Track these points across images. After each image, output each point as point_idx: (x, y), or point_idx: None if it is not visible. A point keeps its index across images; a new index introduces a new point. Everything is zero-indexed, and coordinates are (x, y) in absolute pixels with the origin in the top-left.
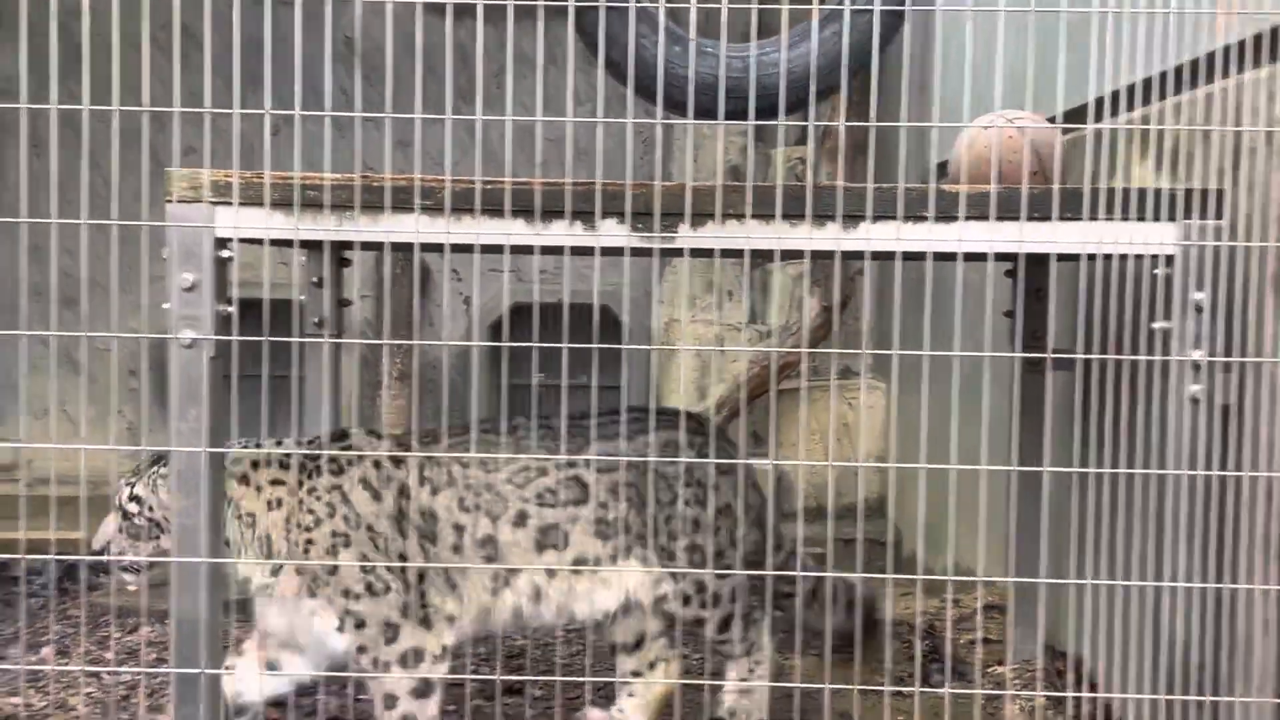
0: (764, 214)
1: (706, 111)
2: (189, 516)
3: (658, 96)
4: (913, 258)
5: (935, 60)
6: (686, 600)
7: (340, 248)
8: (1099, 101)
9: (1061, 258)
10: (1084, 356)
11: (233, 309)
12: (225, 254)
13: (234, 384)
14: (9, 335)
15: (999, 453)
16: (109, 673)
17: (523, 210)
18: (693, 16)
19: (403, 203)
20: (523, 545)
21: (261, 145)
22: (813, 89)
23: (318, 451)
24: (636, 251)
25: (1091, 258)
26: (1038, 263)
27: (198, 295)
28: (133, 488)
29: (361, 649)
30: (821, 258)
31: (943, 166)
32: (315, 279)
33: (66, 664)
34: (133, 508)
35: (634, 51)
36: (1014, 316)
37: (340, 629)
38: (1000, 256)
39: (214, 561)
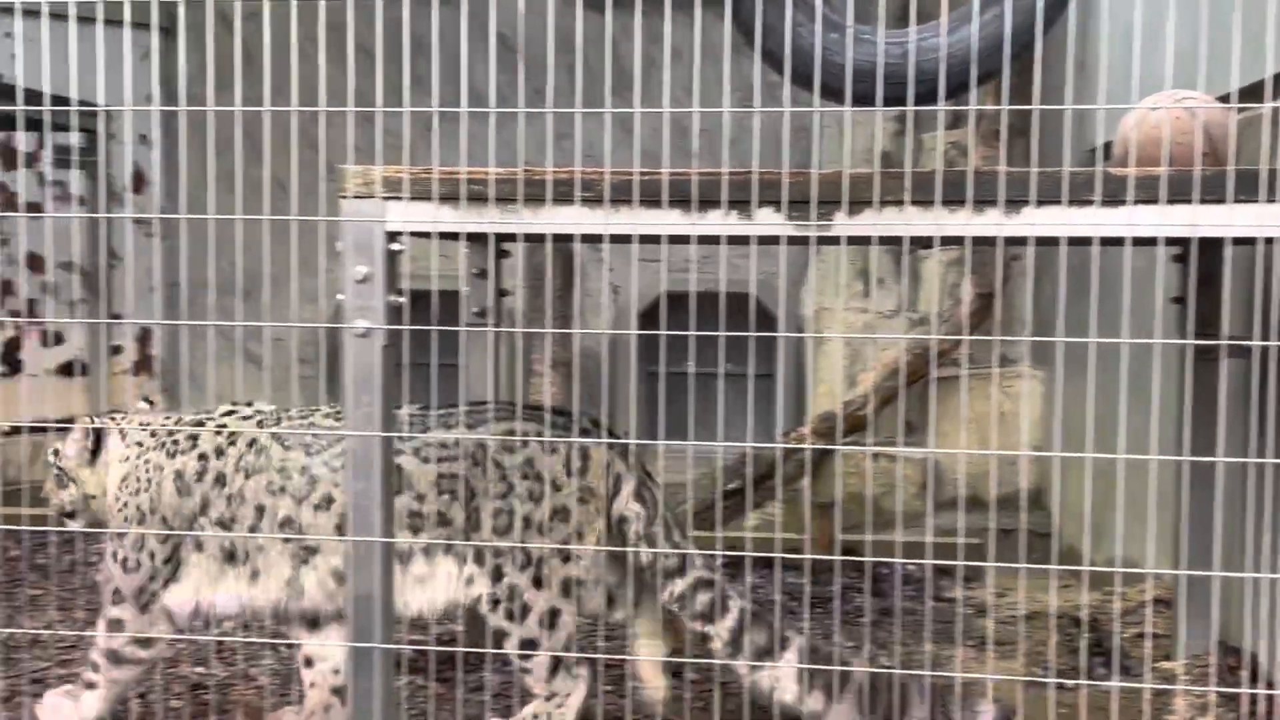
0: (922, 200)
1: (863, 98)
2: (364, 498)
3: (814, 84)
4: (1077, 243)
5: (1100, 38)
6: (495, 604)
7: (501, 240)
8: (1277, 78)
9: (1236, 241)
10: (1260, 344)
11: (403, 299)
12: (396, 247)
13: (404, 371)
14: (194, 325)
15: (1165, 443)
16: (286, 645)
17: (679, 201)
18: (850, 3)
19: (564, 195)
20: (322, 528)
21: (425, 142)
22: (973, 74)
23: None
24: (793, 240)
25: (1269, 241)
26: (1209, 247)
27: (370, 286)
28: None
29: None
30: (980, 244)
31: (1106, 148)
32: (477, 270)
33: (249, 637)
34: (53, 459)
35: (791, 40)
36: (1184, 303)
37: None
38: (1169, 241)
39: (387, 541)
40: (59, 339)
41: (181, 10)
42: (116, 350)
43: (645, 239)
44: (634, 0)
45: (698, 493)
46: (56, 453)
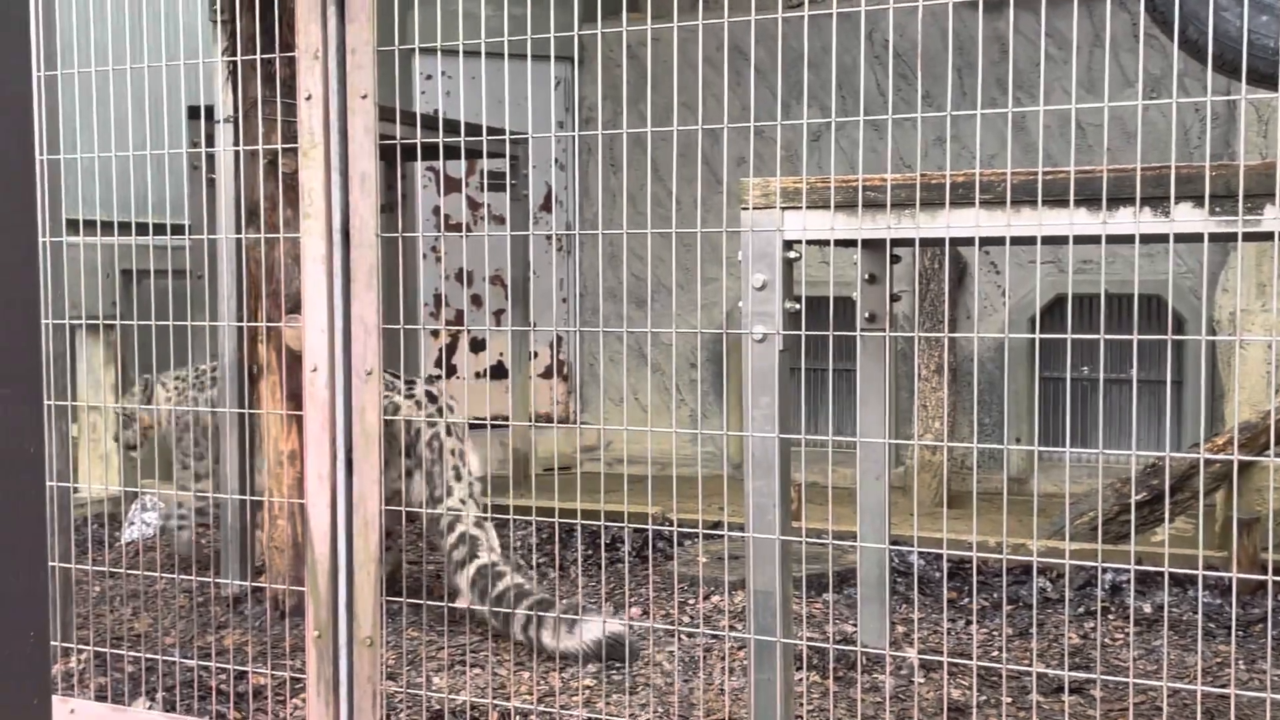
0: None
1: None
2: (763, 495)
3: (1241, 71)
4: None
5: None
6: None
7: (894, 245)
8: None
9: None
10: None
11: (800, 306)
12: (793, 255)
13: (801, 375)
14: (592, 331)
15: None
16: (687, 633)
17: (1086, 199)
18: None
19: (962, 198)
20: None
21: (816, 152)
22: None
23: None
24: (1214, 237)
25: None
26: None
27: (768, 294)
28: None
29: None
30: None
31: None
32: (868, 275)
33: (653, 624)
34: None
35: (1214, 25)
36: None
37: None
38: None
39: (786, 539)
40: (484, 345)
41: (580, 38)
42: (533, 356)
43: (1048, 240)
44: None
45: (1101, 502)
46: None
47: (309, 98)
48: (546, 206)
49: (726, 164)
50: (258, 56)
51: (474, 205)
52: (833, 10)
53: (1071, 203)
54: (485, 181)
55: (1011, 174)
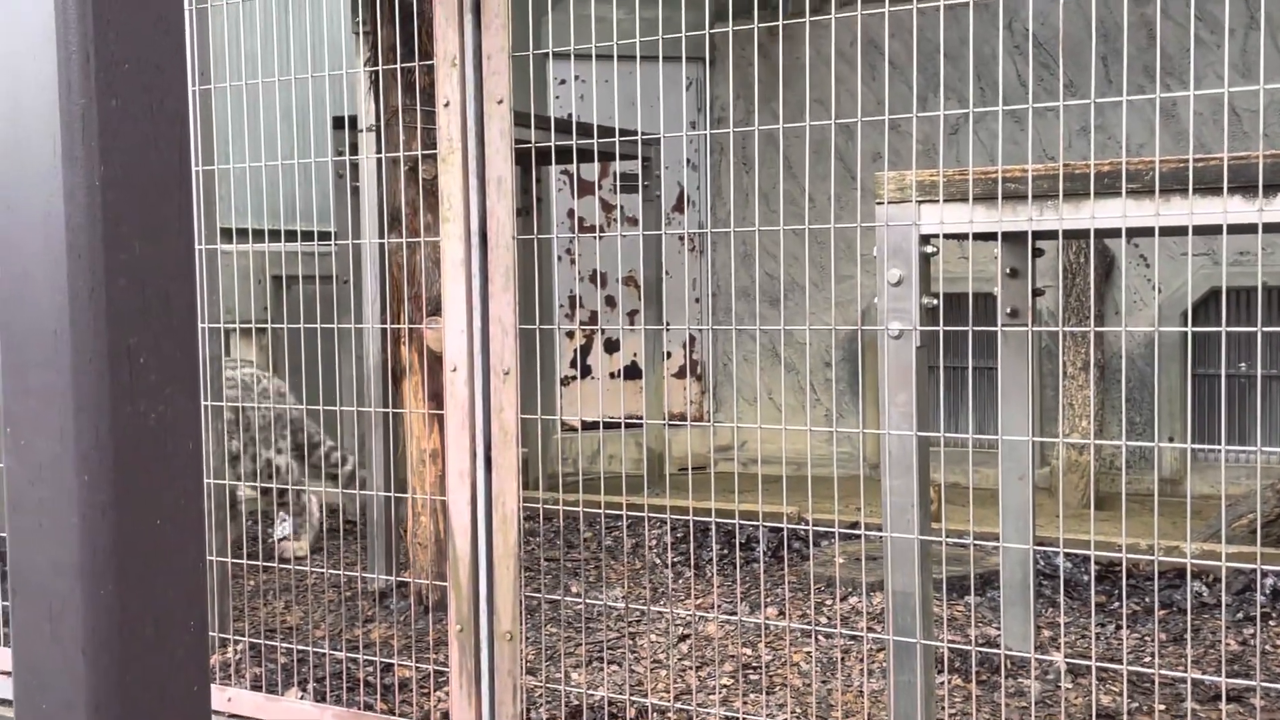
0: None
1: None
2: (901, 495)
3: None
4: None
5: None
6: None
7: (1036, 238)
8: None
9: None
10: None
11: (936, 302)
12: (929, 249)
13: (940, 373)
14: (726, 330)
15: None
16: (825, 634)
17: (1240, 186)
18: None
19: (1107, 188)
20: None
21: (953, 145)
22: None
23: None
24: None
25: None
26: None
27: (905, 290)
28: None
29: None
30: None
31: None
32: (1009, 270)
33: (790, 624)
34: None
35: None
36: None
37: None
38: None
39: (925, 540)
40: (618, 345)
41: (711, 38)
42: (666, 355)
43: (1200, 229)
44: None
45: (1261, 504)
46: None
47: (447, 104)
48: (679, 207)
49: (861, 160)
50: (398, 66)
51: (607, 207)
52: (969, 0)
53: (1225, 190)
54: (618, 184)
55: (1160, 161)
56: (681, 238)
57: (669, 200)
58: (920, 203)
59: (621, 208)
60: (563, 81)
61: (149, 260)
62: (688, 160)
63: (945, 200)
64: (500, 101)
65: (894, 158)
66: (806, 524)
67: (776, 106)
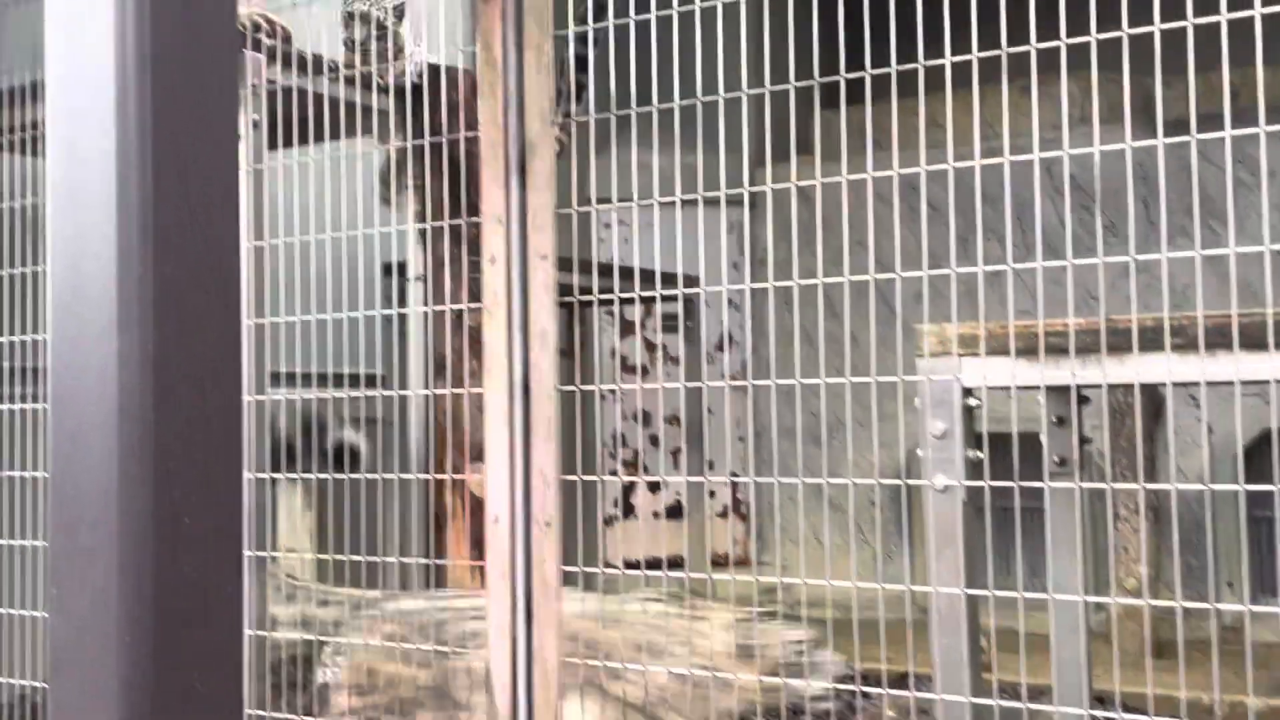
0: None
1: None
2: (951, 654)
3: None
4: None
5: None
6: None
7: (1082, 385)
8: None
9: None
10: None
11: (982, 454)
12: (973, 402)
13: (988, 525)
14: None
15: None
16: None
17: None
18: None
19: (1151, 342)
20: None
21: (998, 291)
22: None
23: None
24: None
25: None
26: None
27: (949, 442)
28: None
29: None
30: None
31: None
32: (1056, 417)
33: None
34: None
35: None
36: None
37: None
38: None
39: (977, 701)
40: (663, 486)
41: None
42: (711, 495)
43: (1249, 383)
44: (1221, 119)
45: None
46: None
47: (493, 260)
48: (721, 346)
49: (900, 298)
50: (445, 223)
51: (650, 347)
52: (1005, 159)
53: (1271, 346)
54: (660, 324)
55: (1204, 316)
56: (723, 375)
57: (712, 340)
58: (962, 356)
59: (665, 347)
60: (607, 225)
61: (197, 421)
62: (730, 300)
63: (987, 354)
64: (544, 257)
65: (934, 294)
66: (853, 677)
67: (816, 247)
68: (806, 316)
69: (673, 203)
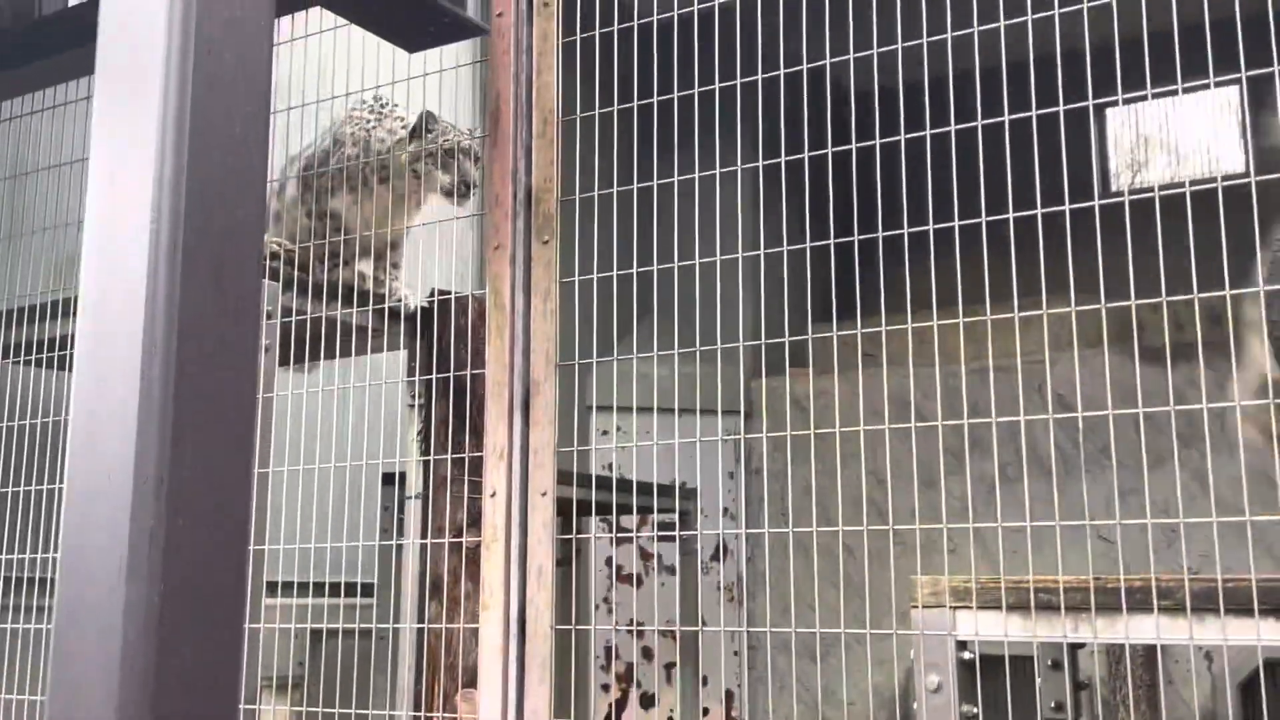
0: None
1: None
2: None
3: None
4: None
5: None
6: None
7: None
8: None
9: None
10: None
11: (977, 711)
12: (967, 655)
13: None
14: (764, 688)
15: None
16: None
17: (1273, 609)
18: None
19: (1139, 603)
20: None
21: (989, 507)
22: None
23: None
24: None
25: None
26: None
27: (943, 696)
28: None
29: None
30: None
31: None
32: (1050, 662)
33: None
34: None
35: None
36: None
37: None
38: None
39: None
40: (654, 700)
41: (748, 390)
42: (705, 712)
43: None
44: (1196, 350)
45: None
46: None
47: (494, 494)
48: (717, 556)
49: (893, 512)
50: (449, 456)
51: (645, 556)
52: (988, 364)
53: (1256, 612)
54: (656, 533)
55: (1190, 579)
56: (718, 585)
57: (707, 549)
58: (955, 608)
59: (660, 556)
60: (605, 433)
61: (200, 669)
62: (724, 509)
63: (979, 608)
64: (544, 494)
65: (929, 511)
66: None
67: (812, 459)
68: (802, 527)
69: (671, 410)
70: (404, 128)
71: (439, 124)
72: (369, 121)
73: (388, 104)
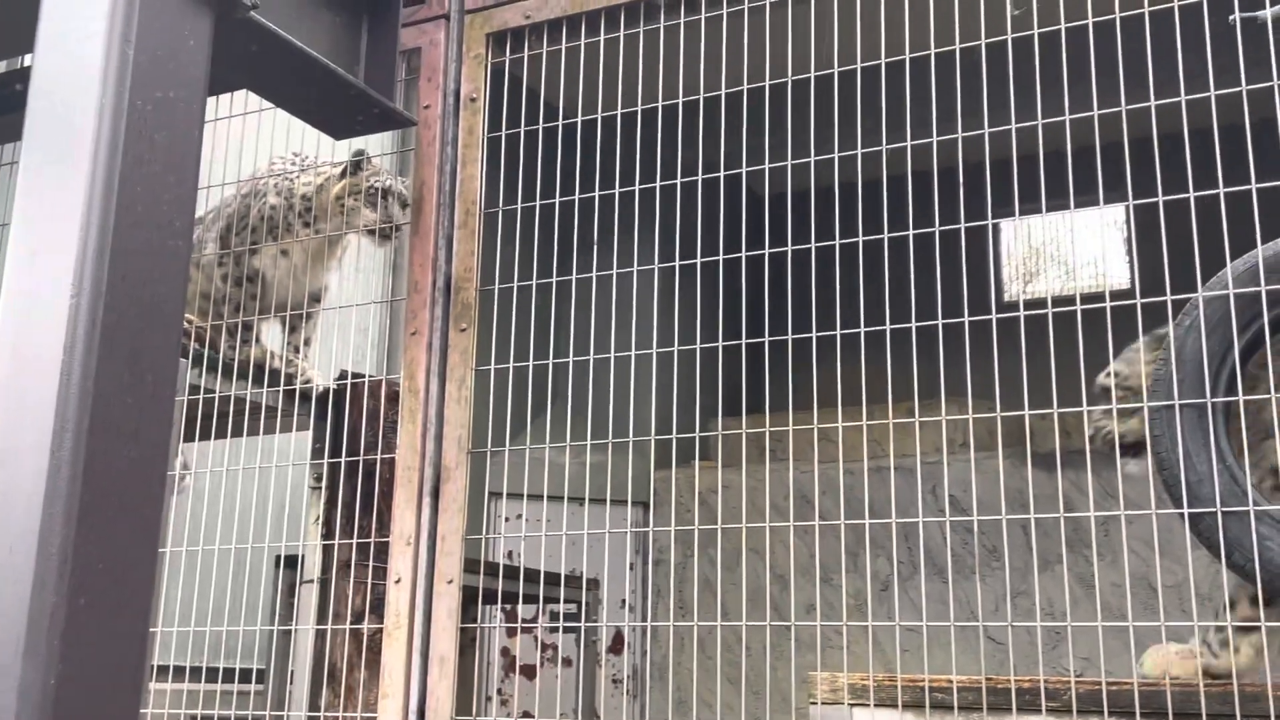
0: None
1: None
2: None
3: None
4: None
5: None
6: None
7: None
8: None
9: None
10: None
11: None
12: None
13: None
14: None
15: None
16: None
17: (1153, 713)
18: None
19: (1029, 704)
20: None
21: (882, 601)
22: None
23: None
24: None
25: None
26: None
27: None
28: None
29: None
30: None
31: None
32: None
33: None
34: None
35: (1259, 553)
36: None
37: None
38: None
39: None
40: None
41: (654, 484)
42: None
43: None
44: (1084, 459)
45: None
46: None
47: (398, 581)
48: (615, 648)
49: (795, 610)
50: (354, 541)
51: (543, 646)
52: (890, 462)
53: (1138, 715)
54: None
55: (1076, 683)
56: (615, 680)
57: (606, 641)
58: (852, 705)
59: (557, 647)
60: (508, 519)
61: None
62: (624, 601)
63: (876, 705)
64: (450, 582)
65: (826, 609)
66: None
67: (714, 553)
68: (702, 621)
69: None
70: (334, 167)
71: (370, 165)
72: (292, 171)
73: (308, 158)
